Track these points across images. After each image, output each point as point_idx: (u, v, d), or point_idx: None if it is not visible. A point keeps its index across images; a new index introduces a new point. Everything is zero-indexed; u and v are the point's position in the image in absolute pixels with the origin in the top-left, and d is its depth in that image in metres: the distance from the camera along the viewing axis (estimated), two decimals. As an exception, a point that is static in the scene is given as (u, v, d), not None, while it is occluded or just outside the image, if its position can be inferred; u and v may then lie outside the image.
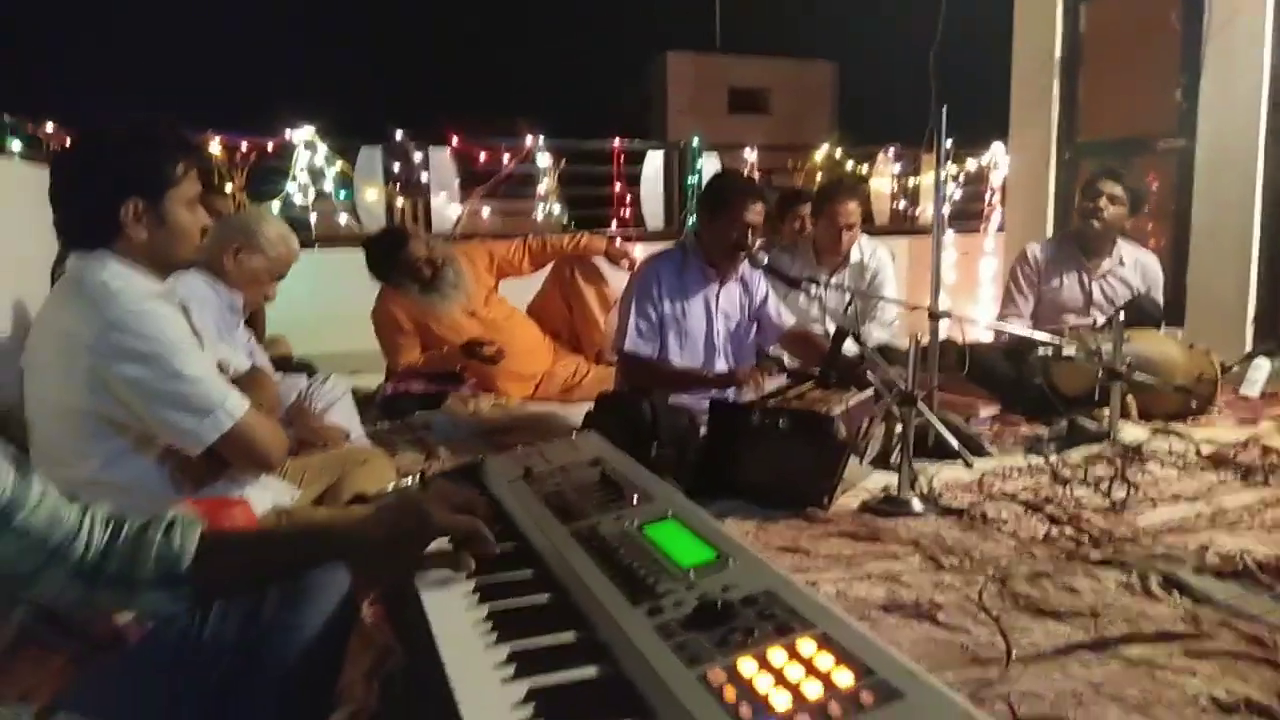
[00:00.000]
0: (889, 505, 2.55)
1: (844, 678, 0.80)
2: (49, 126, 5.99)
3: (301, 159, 6.05)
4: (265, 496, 2.01)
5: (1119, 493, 2.61)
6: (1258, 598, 1.91)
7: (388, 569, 1.17)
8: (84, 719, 0.97)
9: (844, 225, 3.98)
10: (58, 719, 0.96)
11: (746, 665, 0.83)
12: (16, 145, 5.88)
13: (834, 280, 3.94)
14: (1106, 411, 3.25)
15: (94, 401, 1.69)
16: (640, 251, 4.34)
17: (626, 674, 0.91)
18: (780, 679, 0.81)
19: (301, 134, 6.04)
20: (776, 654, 0.84)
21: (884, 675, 0.79)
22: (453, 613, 1.08)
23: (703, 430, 2.78)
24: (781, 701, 0.77)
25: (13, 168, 4.15)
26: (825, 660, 0.83)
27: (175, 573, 1.05)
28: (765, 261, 3.15)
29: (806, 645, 0.85)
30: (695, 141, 7.05)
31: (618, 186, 6.89)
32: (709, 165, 6.95)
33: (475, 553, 1.15)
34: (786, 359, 3.63)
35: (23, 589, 1.02)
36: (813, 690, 0.79)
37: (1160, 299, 4.06)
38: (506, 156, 6.54)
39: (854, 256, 4.11)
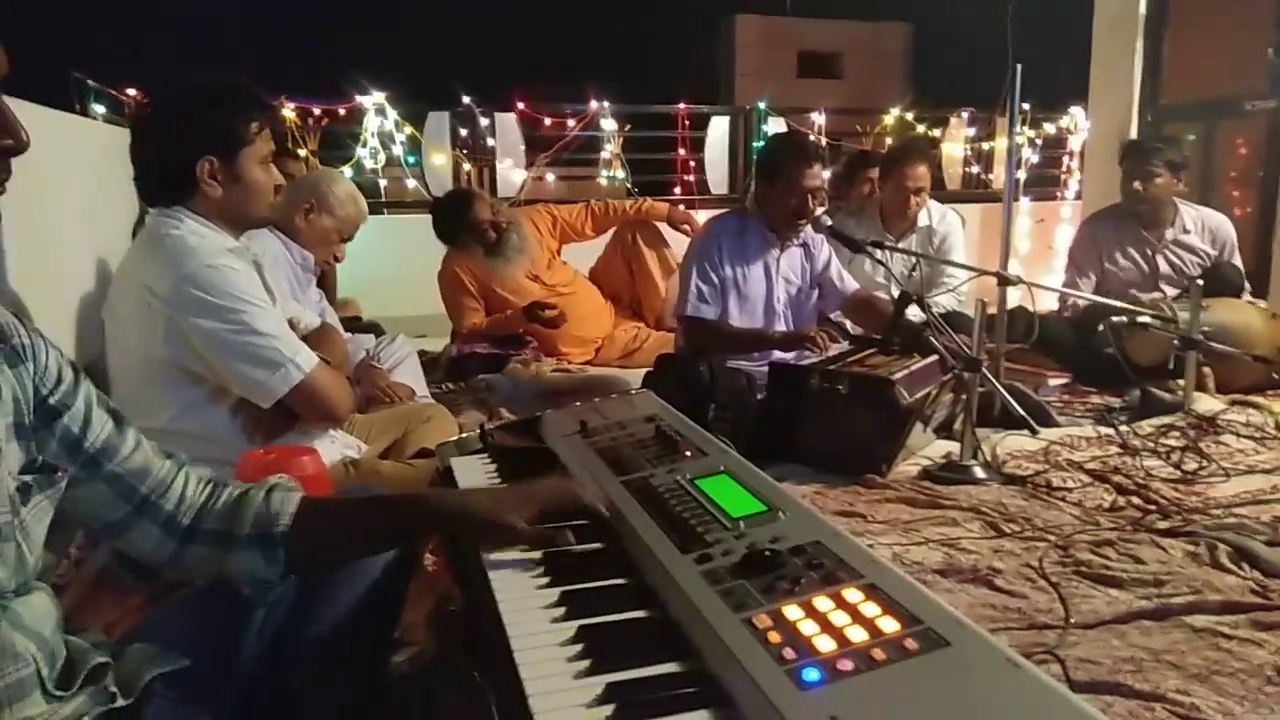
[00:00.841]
0: (950, 472, 2.52)
1: (889, 625, 0.80)
2: (130, 90, 6.17)
3: (372, 124, 6.14)
4: (334, 449, 2.08)
5: (1190, 464, 2.54)
6: (1334, 572, 1.84)
7: (484, 541, 1.15)
8: (157, 649, 1.01)
9: (912, 190, 3.89)
10: (133, 649, 1.00)
11: (792, 611, 0.84)
12: (99, 109, 6.09)
13: (901, 245, 3.86)
14: (1181, 383, 3.15)
15: (170, 352, 1.76)
16: (702, 217, 4.32)
17: (673, 617, 0.93)
18: (825, 624, 0.81)
19: (372, 99, 6.13)
20: (822, 601, 0.85)
21: (930, 624, 0.80)
22: (508, 557, 1.10)
23: (760, 393, 2.77)
24: (825, 645, 0.78)
25: (96, 130, 4.29)
26: (871, 609, 0.83)
27: (272, 533, 1.06)
28: (828, 224, 3.10)
29: (853, 594, 0.86)
30: (761, 106, 6.95)
31: (682, 152, 6.83)
32: (776, 130, 6.85)
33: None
34: (850, 325, 3.59)
35: (112, 538, 1.04)
36: (857, 636, 0.79)
37: (1238, 262, 3.88)
38: (571, 122, 6.54)
39: (922, 221, 4.02)
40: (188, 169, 1.75)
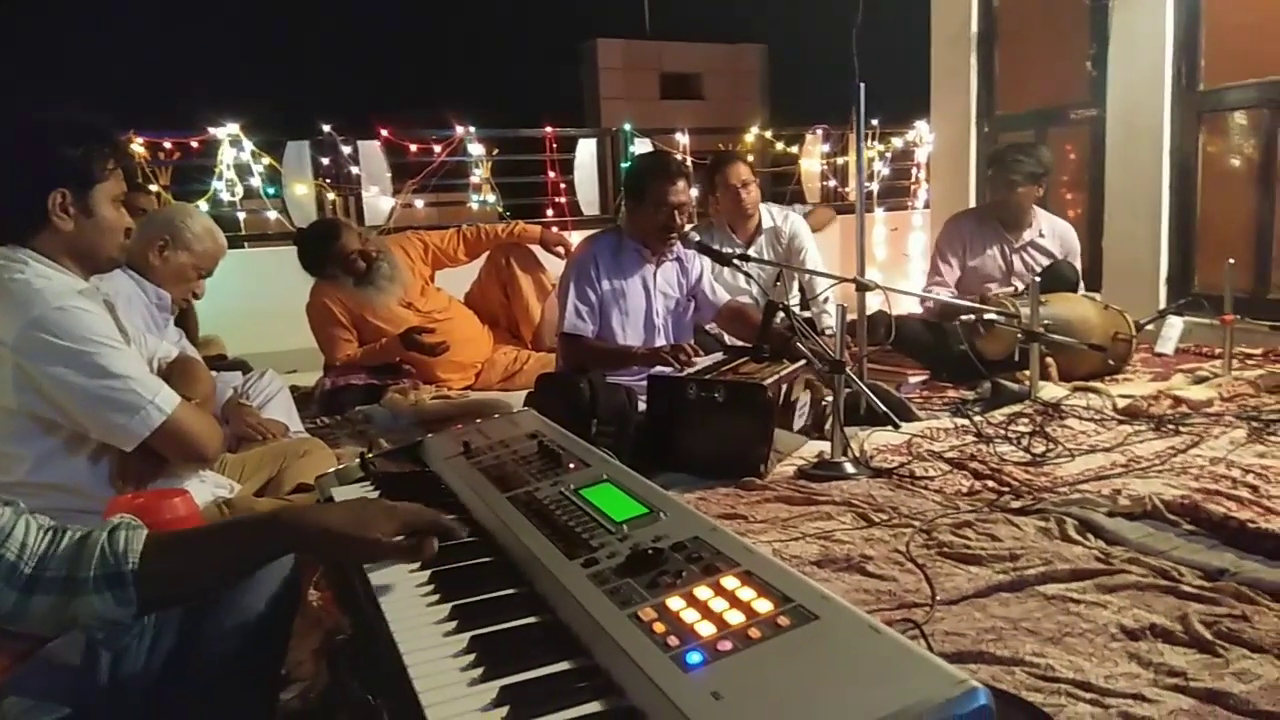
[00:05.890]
0: (823, 470, 2.63)
1: (764, 606, 0.86)
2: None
3: (227, 156, 5.94)
4: (205, 489, 2.01)
5: (1038, 447, 2.73)
6: (1164, 535, 2.03)
7: (346, 556, 1.14)
8: (34, 701, 0.98)
9: (739, 184, 4.09)
10: (9, 703, 0.96)
11: (675, 602, 0.89)
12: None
13: (752, 250, 4.03)
14: (1027, 373, 3.39)
15: (21, 401, 1.67)
16: (575, 238, 4.37)
17: (563, 620, 0.97)
18: (706, 611, 0.87)
19: (226, 130, 5.94)
20: (703, 590, 0.91)
21: (801, 601, 0.86)
22: (395, 576, 1.11)
23: (641, 406, 2.84)
24: (706, 630, 0.83)
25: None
26: (747, 593, 0.89)
27: (120, 573, 1.01)
28: (696, 240, 3.20)
29: (730, 581, 0.92)
30: (627, 127, 7.09)
31: (551, 174, 6.89)
32: (642, 150, 6.99)
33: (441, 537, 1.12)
34: (727, 337, 3.70)
35: None
36: (735, 618, 0.85)
37: (1078, 264, 4.21)
38: (437, 148, 6.49)
39: (766, 223, 4.23)
40: (38, 201, 1.68)
